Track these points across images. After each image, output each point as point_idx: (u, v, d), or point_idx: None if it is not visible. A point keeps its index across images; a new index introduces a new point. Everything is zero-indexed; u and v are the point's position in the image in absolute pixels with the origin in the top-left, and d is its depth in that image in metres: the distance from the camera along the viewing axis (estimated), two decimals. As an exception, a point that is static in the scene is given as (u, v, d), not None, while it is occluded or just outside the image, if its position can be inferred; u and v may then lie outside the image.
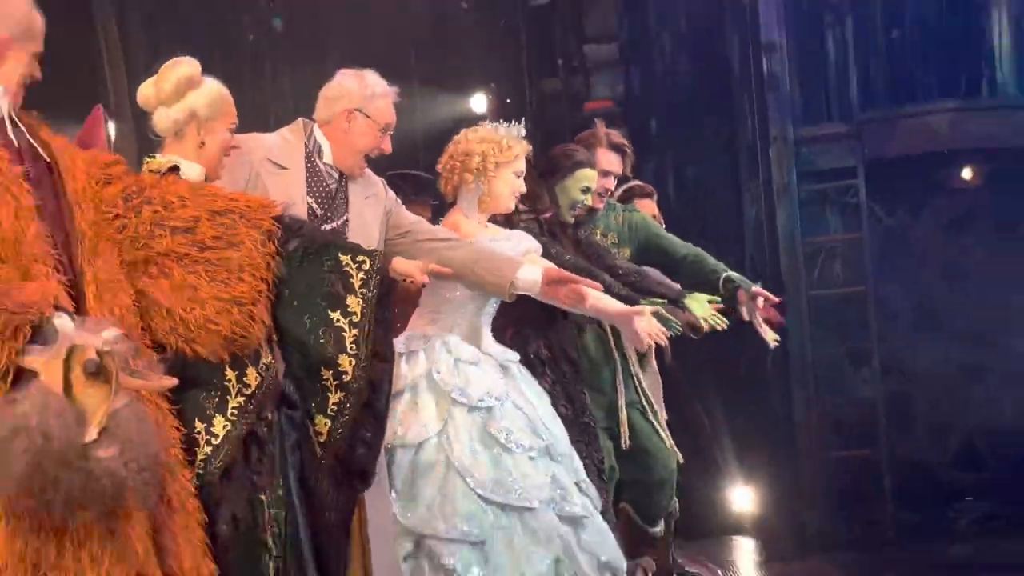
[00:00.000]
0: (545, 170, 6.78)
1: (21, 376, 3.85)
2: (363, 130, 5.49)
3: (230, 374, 4.52)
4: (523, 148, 6.09)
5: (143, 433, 3.92)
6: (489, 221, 6.23)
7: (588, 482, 5.99)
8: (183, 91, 4.78)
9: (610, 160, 7.04)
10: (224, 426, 4.50)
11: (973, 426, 9.87)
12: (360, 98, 5.50)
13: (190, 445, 4.49)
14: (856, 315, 9.77)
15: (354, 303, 4.61)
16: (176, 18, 10.53)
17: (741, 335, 8.79)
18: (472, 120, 10.75)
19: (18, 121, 4.24)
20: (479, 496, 5.63)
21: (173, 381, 4.09)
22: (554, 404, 6.23)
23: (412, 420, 5.73)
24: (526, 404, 5.92)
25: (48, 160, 4.29)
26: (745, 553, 9.18)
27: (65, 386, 3.79)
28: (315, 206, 5.41)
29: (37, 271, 4.05)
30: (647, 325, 5.97)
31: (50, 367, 3.81)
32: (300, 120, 5.57)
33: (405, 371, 5.77)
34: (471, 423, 5.79)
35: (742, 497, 9.53)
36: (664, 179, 10.25)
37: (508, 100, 10.63)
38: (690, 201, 10.27)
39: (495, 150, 6.02)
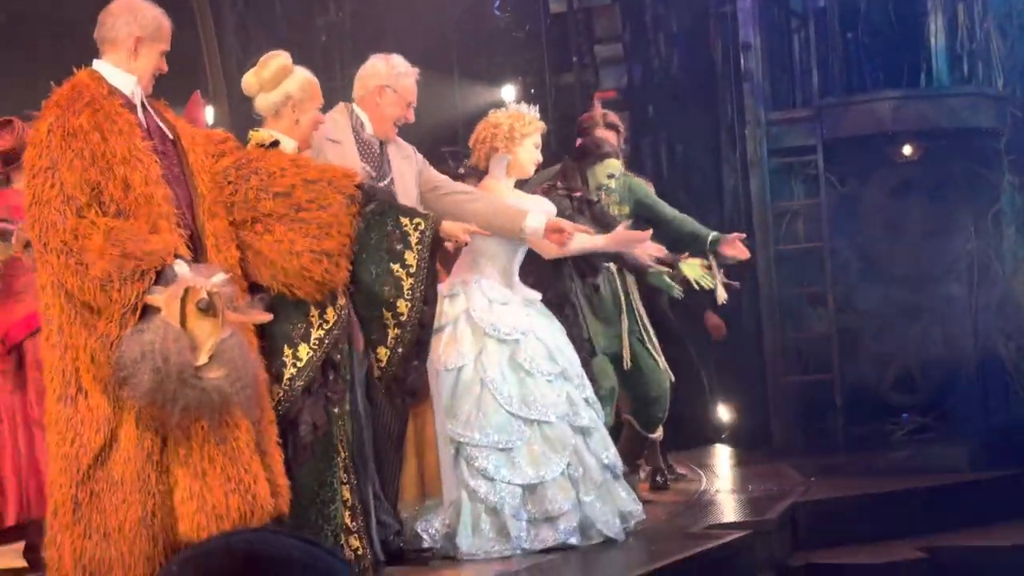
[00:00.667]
0: (578, 155, 6.81)
1: (147, 311, 3.97)
2: (392, 102, 5.42)
3: (314, 312, 4.59)
4: (540, 125, 6.07)
5: (244, 358, 4.01)
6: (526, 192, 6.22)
7: (595, 398, 6.01)
8: (279, 78, 4.82)
9: (607, 136, 7.07)
10: (307, 352, 4.59)
11: (910, 355, 9.69)
12: (388, 76, 5.44)
13: (278, 368, 4.60)
14: (814, 265, 9.82)
15: (411, 258, 4.66)
16: (261, 21, 10.65)
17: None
18: (502, 107, 11.02)
19: (148, 106, 4.33)
20: (507, 411, 5.66)
21: (268, 316, 4.21)
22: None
23: (452, 349, 5.72)
24: (546, 336, 5.91)
25: (172, 137, 4.38)
26: (723, 458, 9.22)
27: (181, 319, 3.88)
28: (368, 170, 5.32)
29: (163, 226, 4.14)
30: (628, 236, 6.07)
31: (169, 304, 3.91)
32: (341, 103, 5.54)
33: (447, 309, 5.73)
34: (501, 352, 5.78)
35: (721, 412, 9.67)
36: (659, 154, 10.42)
37: (532, 90, 10.67)
38: (680, 172, 10.40)
39: (520, 123, 5.96)
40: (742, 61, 9.69)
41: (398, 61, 5.47)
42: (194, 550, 1.81)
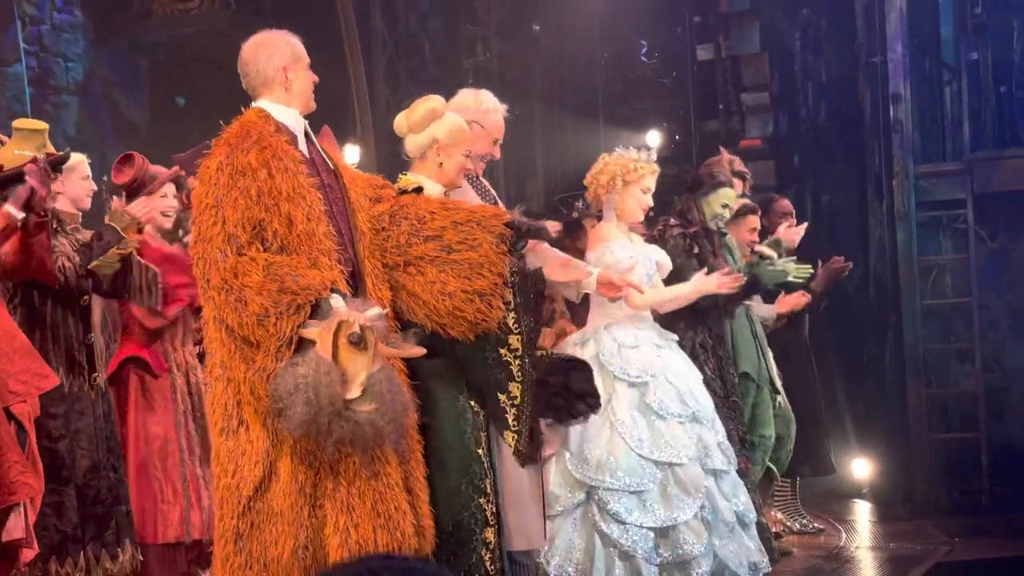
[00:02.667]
0: (692, 185, 6.82)
1: (303, 345, 3.97)
2: (478, 138, 5.19)
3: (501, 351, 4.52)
4: (650, 170, 6.00)
5: (394, 392, 3.99)
6: (642, 237, 6.24)
7: (727, 444, 5.99)
8: (427, 121, 4.77)
9: (733, 183, 7.06)
10: (518, 389, 4.54)
11: (1058, 416, 9.57)
12: (476, 111, 5.26)
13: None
14: (962, 321, 9.70)
15: (515, 341, 4.53)
16: (411, 64, 10.82)
17: (864, 331, 9.53)
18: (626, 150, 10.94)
19: (312, 137, 4.38)
20: (638, 454, 5.66)
21: (421, 351, 4.14)
22: (710, 384, 6.24)
23: None
24: (677, 377, 5.88)
25: (335, 170, 4.42)
26: (862, 513, 9.07)
27: (334, 352, 3.88)
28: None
29: (323, 262, 4.15)
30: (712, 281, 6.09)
31: (323, 338, 3.90)
32: None
33: (579, 355, 5.58)
34: (631, 395, 5.78)
35: (861, 467, 9.54)
36: (804, 204, 10.30)
37: (677, 137, 10.64)
38: (825, 222, 10.31)
39: (624, 169, 5.95)
40: (891, 112, 9.55)
41: (487, 96, 5.34)
42: (334, 570, 1.87)
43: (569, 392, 4.68)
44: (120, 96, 10.62)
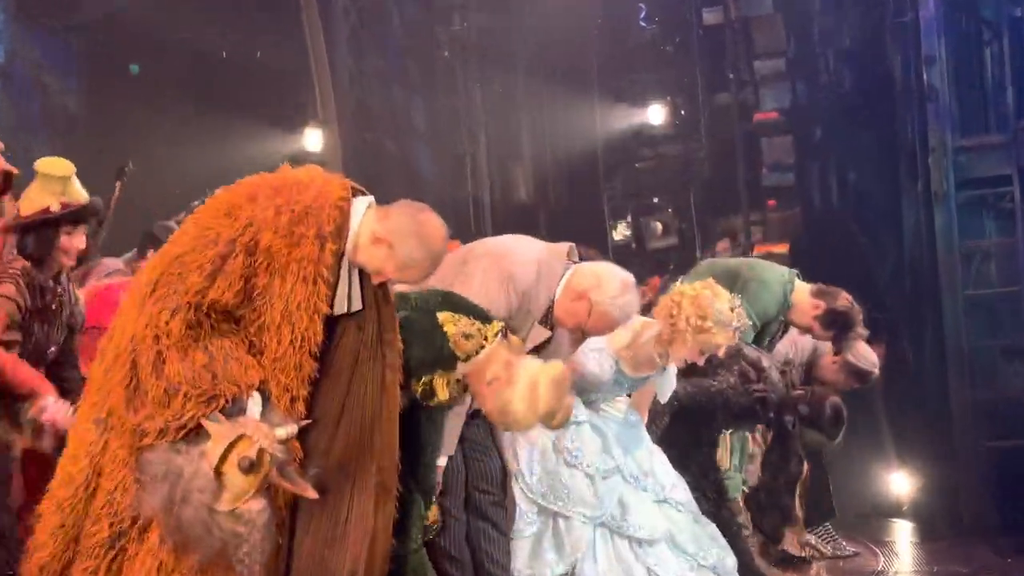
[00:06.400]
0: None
1: (198, 429, 3.97)
2: (595, 322, 5.29)
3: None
4: (726, 336, 5.77)
5: (265, 540, 3.97)
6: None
7: (681, 504, 5.85)
8: None
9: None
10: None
11: (1122, 416, 9.36)
12: (597, 294, 5.27)
13: None
14: (1009, 313, 9.65)
15: None
16: (376, 34, 10.74)
17: (899, 328, 9.44)
18: (649, 131, 10.60)
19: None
20: (527, 496, 5.63)
21: (314, 494, 4.07)
22: (701, 493, 6.22)
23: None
24: (607, 426, 5.83)
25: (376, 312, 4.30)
26: (902, 534, 9.12)
27: (219, 464, 3.90)
28: None
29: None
30: None
31: (216, 443, 3.93)
32: (566, 248, 5.38)
33: None
34: (542, 440, 5.71)
35: (900, 482, 9.50)
36: (827, 185, 10.29)
37: (683, 112, 10.65)
38: (852, 206, 10.23)
39: (698, 328, 5.73)
40: (925, 78, 9.52)
41: (613, 288, 5.28)
42: None
43: None
44: (52, 80, 10.62)
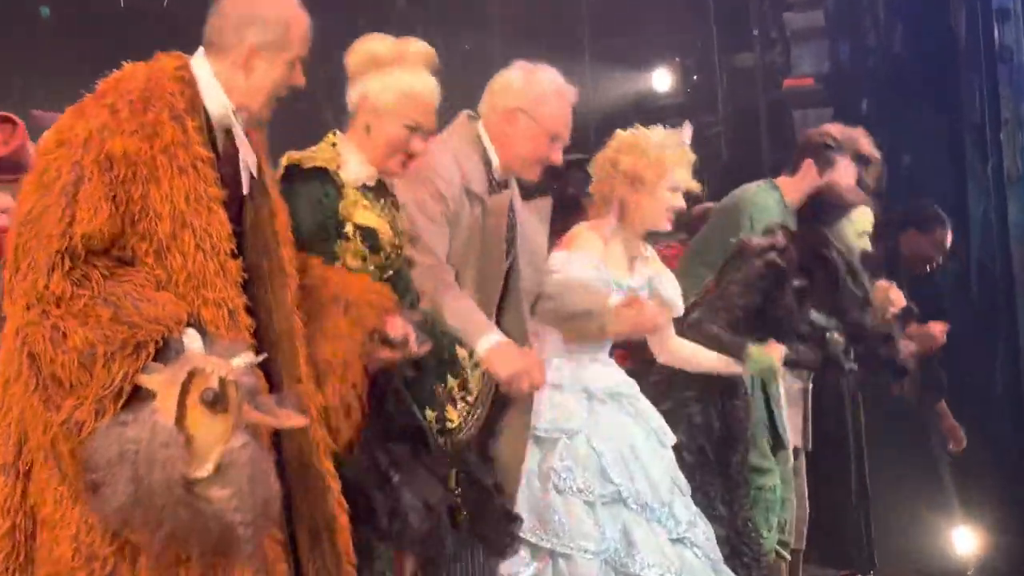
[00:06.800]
0: (806, 211, 6.73)
1: (137, 396, 3.78)
2: (527, 137, 5.18)
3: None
4: (684, 158, 5.86)
5: (258, 480, 3.79)
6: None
7: (697, 541, 5.77)
8: (363, 69, 4.71)
9: (848, 173, 6.87)
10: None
11: None
12: (526, 97, 5.23)
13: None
14: None
15: None
16: None
17: (964, 344, 8.67)
18: (654, 101, 10.29)
19: (240, 133, 4.13)
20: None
21: (303, 420, 4.00)
22: (711, 496, 6.19)
23: None
24: (606, 440, 5.70)
25: (260, 179, 4.26)
26: None
27: (179, 414, 3.71)
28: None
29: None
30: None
31: (166, 391, 3.72)
32: (464, 115, 5.29)
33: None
34: (532, 456, 5.64)
35: (965, 538, 8.71)
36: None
37: (695, 77, 10.27)
38: (905, 192, 9.27)
39: (645, 163, 5.84)
40: (996, 34, 8.94)
41: (545, 77, 5.32)
42: None
43: None
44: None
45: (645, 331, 5.79)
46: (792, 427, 7.02)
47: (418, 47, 4.77)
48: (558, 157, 5.31)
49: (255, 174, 4.26)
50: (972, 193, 9.32)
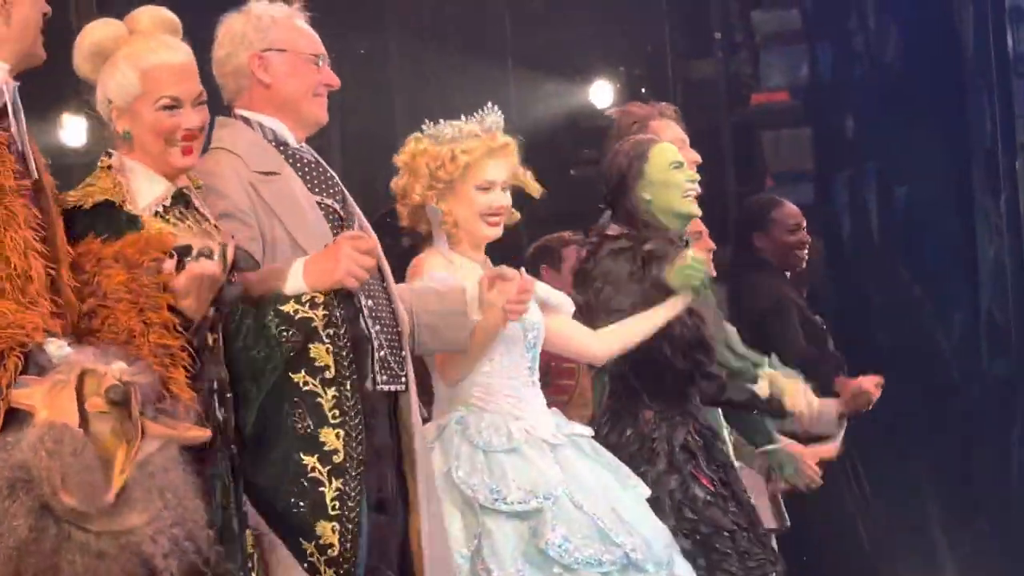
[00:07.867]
0: (610, 174, 6.18)
1: (10, 422, 3.59)
2: (288, 70, 4.90)
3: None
4: (485, 148, 5.46)
5: (182, 488, 3.63)
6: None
7: None
8: (94, 65, 4.38)
9: (663, 125, 6.49)
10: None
11: None
12: (257, 36, 4.93)
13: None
14: None
15: None
16: None
17: (975, 415, 8.79)
18: (592, 120, 9.40)
19: (20, 109, 3.91)
20: None
21: (206, 433, 3.83)
22: (721, 512, 5.87)
23: None
24: (589, 495, 5.40)
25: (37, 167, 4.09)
26: None
27: (81, 421, 3.55)
28: (331, 203, 4.97)
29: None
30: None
31: (54, 398, 3.53)
32: (219, 118, 4.93)
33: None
34: (514, 535, 5.28)
35: None
36: (862, 199, 9.39)
37: (643, 90, 9.24)
38: (901, 230, 9.18)
39: (441, 161, 5.55)
40: (1009, 41, 8.60)
41: (260, 9, 5.01)
42: None
43: None
44: None
45: (522, 302, 5.23)
46: (761, 508, 6.49)
47: (146, 15, 4.39)
48: (334, 78, 4.97)
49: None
50: (981, 232, 9.00)
